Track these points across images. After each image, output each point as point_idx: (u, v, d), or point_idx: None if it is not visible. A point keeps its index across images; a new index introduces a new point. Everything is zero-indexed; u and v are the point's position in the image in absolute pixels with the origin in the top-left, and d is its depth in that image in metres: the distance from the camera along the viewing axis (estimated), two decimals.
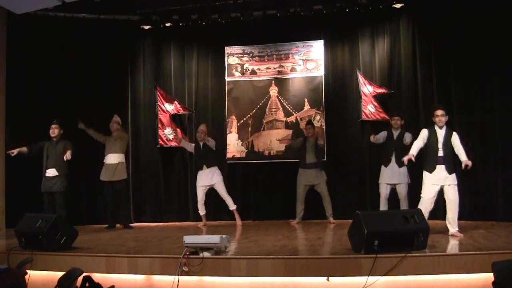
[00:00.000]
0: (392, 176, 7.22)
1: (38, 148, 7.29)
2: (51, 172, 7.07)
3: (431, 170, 5.81)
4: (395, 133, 7.27)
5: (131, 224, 7.94)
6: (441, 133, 5.83)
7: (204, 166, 7.71)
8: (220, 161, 8.10)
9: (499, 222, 7.03)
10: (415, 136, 6.30)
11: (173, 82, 8.92)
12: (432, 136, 5.86)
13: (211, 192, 7.85)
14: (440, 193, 5.84)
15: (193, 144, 7.96)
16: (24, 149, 7.23)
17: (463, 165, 5.79)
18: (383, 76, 8.26)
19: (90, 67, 8.55)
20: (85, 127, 7.82)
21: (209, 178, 7.68)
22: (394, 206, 7.30)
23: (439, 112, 5.84)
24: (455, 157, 5.87)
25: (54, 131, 7.18)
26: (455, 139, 5.83)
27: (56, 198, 7.05)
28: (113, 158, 7.78)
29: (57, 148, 7.14)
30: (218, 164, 7.82)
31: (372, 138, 7.36)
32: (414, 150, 5.90)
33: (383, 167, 7.33)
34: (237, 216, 7.74)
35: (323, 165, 7.80)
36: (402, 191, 7.20)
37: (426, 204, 5.73)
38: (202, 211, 7.82)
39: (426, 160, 5.93)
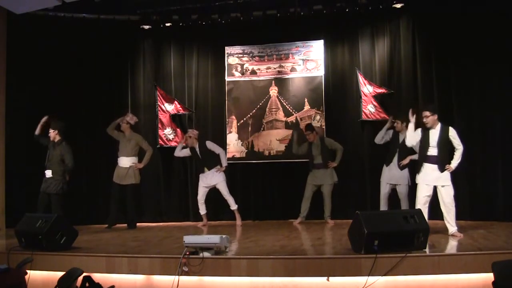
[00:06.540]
0: (392, 176, 7.23)
1: (43, 141, 7.18)
2: (48, 174, 7.02)
3: (419, 169, 5.85)
4: (401, 137, 7.15)
5: (136, 225, 7.88)
6: (434, 133, 5.81)
7: (205, 169, 7.69)
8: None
9: (499, 222, 7.03)
10: None
11: (173, 82, 8.92)
12: (423, 137, 5.87)
13: (213, 192, 7.82)
14: (436, 193, 5.82)
15: (185, 150, 7.88)
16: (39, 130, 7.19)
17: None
18: (383, 76, 8.26)
19: (90, 67, 8.54)
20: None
21: (211, 178, 7.65)
22: (395, 205, 7.31)
23: (424, 113, 5.88)
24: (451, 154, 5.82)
25: (51, 134, 7.14)
26: (453, 134, 5.78)
27: (51, 200, 7.00)
28: (125, 161, 7.73)
29: (54, 152, 7.08)
30: (219, 164, 7.75)
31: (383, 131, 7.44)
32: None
33: (384, 166, 7.34)
34: (237, 216, 7.72)
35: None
36: (402, 191, 7.21)
37: (420, 202, 5.71)
38: (202, 210, 7.79)
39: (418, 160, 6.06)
